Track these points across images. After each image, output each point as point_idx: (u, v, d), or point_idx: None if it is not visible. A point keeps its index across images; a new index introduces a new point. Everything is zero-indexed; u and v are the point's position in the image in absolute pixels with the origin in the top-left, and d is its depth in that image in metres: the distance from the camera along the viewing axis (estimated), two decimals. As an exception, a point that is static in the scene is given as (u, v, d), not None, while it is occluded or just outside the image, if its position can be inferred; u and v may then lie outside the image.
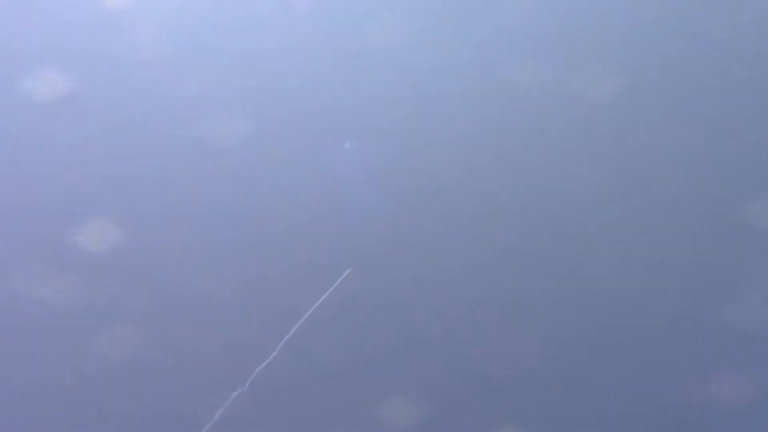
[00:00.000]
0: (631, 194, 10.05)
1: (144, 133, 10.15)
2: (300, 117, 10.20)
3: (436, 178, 10.12)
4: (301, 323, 9.68)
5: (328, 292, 9.73)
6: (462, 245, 9.98)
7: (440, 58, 10.33)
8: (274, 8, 10.41)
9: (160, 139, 10.13)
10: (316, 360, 9.77)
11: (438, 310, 9.86)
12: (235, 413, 9.54)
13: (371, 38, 10.28)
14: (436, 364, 9.74)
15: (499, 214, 10.02)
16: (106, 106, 10.19)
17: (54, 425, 9.61)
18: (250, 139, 10.11)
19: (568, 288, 9.84)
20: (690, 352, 9.66)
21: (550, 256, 9.93)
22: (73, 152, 10.06)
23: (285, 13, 10.42)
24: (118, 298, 9.81)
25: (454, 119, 10.23)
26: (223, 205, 10.06)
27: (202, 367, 9.69)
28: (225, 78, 10.23)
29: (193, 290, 9.88)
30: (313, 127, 10.19)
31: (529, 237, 9.97)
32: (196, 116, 10.11)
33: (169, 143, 10.10)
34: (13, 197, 10.06)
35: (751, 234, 9.89)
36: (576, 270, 9.88)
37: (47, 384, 9.63)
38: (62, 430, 9.62)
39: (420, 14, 10.45)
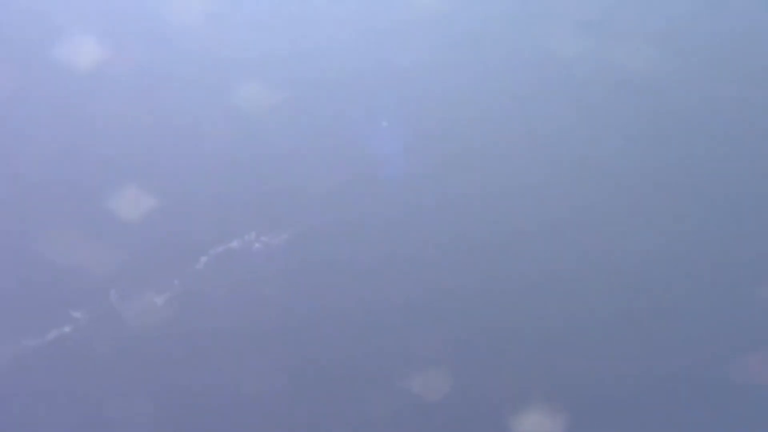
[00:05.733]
0: (667, 166, 9.94)
1: (179, 102, 10.21)
2: (334, 85, 10.20)
3: (472, 147, 10.09)
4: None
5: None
6: (492, 215, 9.95)
7: (482, 29, 10.26)
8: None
9: (195, 107, 10.19)
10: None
11: (466, 282, 9.85)
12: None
13: (412, 8, 10.24)
14: (462, 324, 9.74)
15: (534, 182, 9.98)
16: (141, 74, 10.25)
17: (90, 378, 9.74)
18: (284, 105, 10.13)
19: (604, 253, 9.77)
20: (728, 328, 9.54)
21: (586, 223, 9.88)
22: (108, 120, 10.15)
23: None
24: (151, 265, 9.92)
25: (494, 90, 10.18)
26: (255, 170, 10.11)
27: (231, 331, 9.77)
28: (261, 44, 10.24)
29: (224, 253, 9.95)
30: (348, 95, 10.18)
31: (563, 205, 9.92)
32: (231, 83, 10.13)
33: (204, 110, 10.15)
34: (48, 165, 10.18)
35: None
36: (613, 236, 9.83)
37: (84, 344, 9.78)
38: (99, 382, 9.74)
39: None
